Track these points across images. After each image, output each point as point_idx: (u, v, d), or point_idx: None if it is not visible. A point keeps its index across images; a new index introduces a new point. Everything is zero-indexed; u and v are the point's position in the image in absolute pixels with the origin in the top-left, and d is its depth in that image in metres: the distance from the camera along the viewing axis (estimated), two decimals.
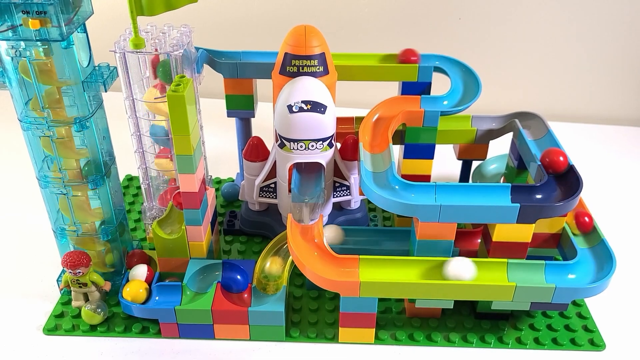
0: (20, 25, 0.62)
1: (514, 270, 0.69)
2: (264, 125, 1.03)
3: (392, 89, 0.91)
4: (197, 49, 0.86)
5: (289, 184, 0.81)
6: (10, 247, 0.90)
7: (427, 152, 0.87)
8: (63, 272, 0.81)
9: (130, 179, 1.08)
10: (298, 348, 0.74)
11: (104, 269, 0.81)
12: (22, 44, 0.64)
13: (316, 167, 0.81)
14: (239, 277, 0.77)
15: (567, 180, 0.71)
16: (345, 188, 0.87)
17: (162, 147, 0.86)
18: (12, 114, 0.71)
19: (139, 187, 1.04)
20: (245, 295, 0.75)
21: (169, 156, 0.86)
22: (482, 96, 0.86)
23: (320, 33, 0.77)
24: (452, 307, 0.71)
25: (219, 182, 1.08)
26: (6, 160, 1.13)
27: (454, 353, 0.74)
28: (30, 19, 0.61)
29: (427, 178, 0.90)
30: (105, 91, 0.70)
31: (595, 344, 0.75)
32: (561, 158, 0.72)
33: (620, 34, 1.28)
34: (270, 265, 0.77)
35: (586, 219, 0.75)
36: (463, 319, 0.78)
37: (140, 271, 0.77)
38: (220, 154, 1.12)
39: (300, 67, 0.76)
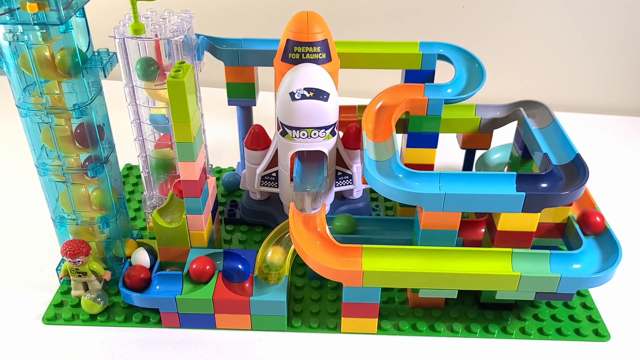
0: (18, 8, 0.60)
1: (519, 259, 0.68)
2: (265, 113, 1.02)
3: (395, 77, 0.90)
4: (197, 35, 0.85)
5: (291, 172, 0.81)
6: (9, 236, 0.89)
7: (430, 141, 0.86)
8: (62, 261, 0.80)
9: (130, 167, 1.07)
10: (300, 338, 0.74)
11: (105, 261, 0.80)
12: (20, 28, 0.62)
13: (318, 155, 0.80)
14: (240, 266, 0.77)
15: (572, 170, 0.70)
16: (347, 177, 0.86)
17: (162, 134, 0.85)
18: (9, 101, 0.70)
19: (138, 176, 1.04)
20: (247, 285, 0.74)
21: (169, 143, 0.85)
22: (485, 85, 0.85)
23: (323, 19, 0.76)
24: (455, 297, 0.71)
25: (219, 171, 1.07)
26: (4, 149, 1.12)
27: (457, 343, 0.73)
28: (28, 2, 0.60)
29: (430, 167, 0.89)
30: (105, 77, 0.69)
31: (600, 334, 0.74)
32: (597, 218, 0.72)
33: (626, 24, 1.27)
34: (272, 254, 0.77)
35: (597, 218, 0.72)
36: (466, 309, 0.77)
37: (141, 256, 0.77)
38: (221, 143, 1.11)
39: (303, 54, 0.75)
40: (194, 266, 0.73)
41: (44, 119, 0.68)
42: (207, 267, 0.73)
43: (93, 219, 0.76)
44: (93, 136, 0.71)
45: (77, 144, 0.71)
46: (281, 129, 0.77)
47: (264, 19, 1.31)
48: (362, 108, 0.91)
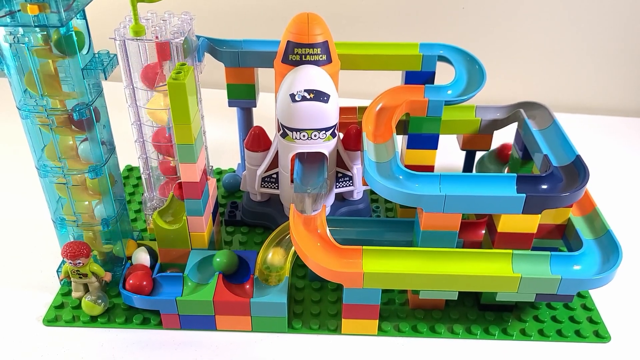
0: (19, 10, 0.60)
1: (519, 261, 0.68)
2: (265, 115, 1.02)
3: (395, 78, 0.90)
4: (198, 37, 0.85)
5: (292, 174, 0.81)
6: (9, 237, 0.89)
7: (430, 143, 0.86)
8: (63, 262, 0.80)
9: (130, 169, 1.07)
10: (300, 339, 0.74)
11: (103, 249, 0.80)
12: (21, 30, 0.63)
13: (319, 157, 0.80)
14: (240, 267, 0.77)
15: (573, 171, 0.70)
16: (347, 178, 0.86)
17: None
18: (10, 102, 0.70)
19: (139, 178, 1.04)
20: (247, 286, 0.74)
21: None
22: (485, 86, 0.85)
23: (324, 21, 0.76)
24: (456, 299, 0.71)
25: (219, 172, 1.07)
26: (4, 149, 1.12)
27: (457, 345, 0.73)
28: (28, 4, 0.60)
29: (430, 169, 0.89)
30: (105, 79, 0.69)
31: (600, 335, 0.74)
32: None
33: (626, 24, 1.27)
34: (273, 256, 0.77)
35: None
36: (467, 310, 0.77)
37: (142, 258, 0.77)
38: (221, 144, 1.11)
39: (303, 56, 0.75)
40: (131, 281, 0.73)
41: (44, 120, 0.68)
42: (144, 283, 0.73)
43: (93, 220, 0.76)
44: (89, 119, 0.71)
45: (73, 127, 0.70)
46: (281, 131, 0.77)
47: (264, 21, 1.31)
48: (362, 109, 0.91)
